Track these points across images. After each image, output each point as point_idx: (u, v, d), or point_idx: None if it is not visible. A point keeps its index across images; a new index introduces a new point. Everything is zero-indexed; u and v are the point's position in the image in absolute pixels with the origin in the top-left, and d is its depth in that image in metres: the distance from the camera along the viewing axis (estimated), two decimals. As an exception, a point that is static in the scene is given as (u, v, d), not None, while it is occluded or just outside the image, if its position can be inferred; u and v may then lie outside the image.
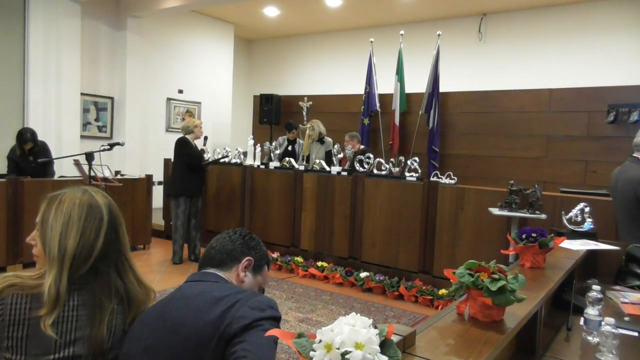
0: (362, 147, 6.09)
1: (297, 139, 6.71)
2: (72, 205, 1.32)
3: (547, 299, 1.84)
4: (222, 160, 5.96)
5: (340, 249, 5.39)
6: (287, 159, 6.09)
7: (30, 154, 5.30)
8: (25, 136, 5.18)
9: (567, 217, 3.08)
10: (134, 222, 5.77)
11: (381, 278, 4.89)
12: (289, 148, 6.62)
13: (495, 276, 1.38)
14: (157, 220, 6.67)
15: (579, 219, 3.04)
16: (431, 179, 4.98)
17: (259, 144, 6.44)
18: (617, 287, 2.51)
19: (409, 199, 4.95)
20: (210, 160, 5.75)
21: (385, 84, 7.49)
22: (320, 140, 6.32)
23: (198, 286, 1.34)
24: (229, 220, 6.34)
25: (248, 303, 1.24)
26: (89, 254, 1.30)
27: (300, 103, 8.69)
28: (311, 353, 0.89)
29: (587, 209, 3.03)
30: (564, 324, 2.02)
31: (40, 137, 5.46)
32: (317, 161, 5.85)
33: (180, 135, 5.56)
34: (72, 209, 1.31)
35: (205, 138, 5.80)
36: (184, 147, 5.38)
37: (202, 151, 5.65)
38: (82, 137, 6.87)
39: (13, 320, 1.23)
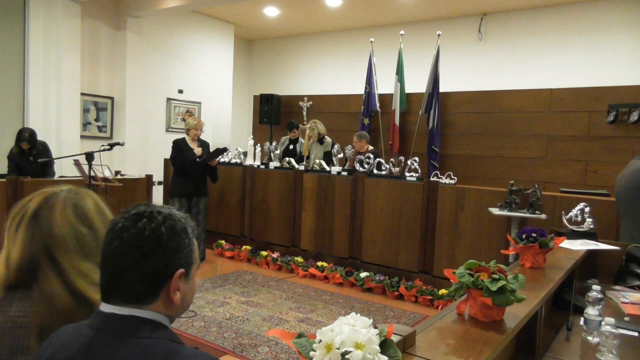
0: (370, 147, 6.04)
1: (299, 138, 6.71)
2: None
3: (547, 299, 1.84)
4: (219, 157, 5.75)
5: (340, 249, 5.39)
6: (287, 158, 6.09)
7: (30, 154, 5.30)
8: (23, 135, 5.17)
9: (567, 217, 3.08)
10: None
11: (381, 278, 4.89)
12: (290, 147, 6.63)
13: (495, 276, 1.38)
14: (157, 220, 6.66)
15: (579, 219, 3.04)
16: (431, 179, 4.98)
17: (259, 144, 6.44)
18: (617, 287, 2.52)
19: (409, 199, 4.95)
20: (203, 158, 5.56)
21: (385, 84, 7.49)
22: (320, 140, 6.32)
23: (113, 353, 0.92)
24: (229, 220, 6.34)
25: None
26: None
27: (300, 103, 8.70)
28: (311, 353, 0.89)
29: (587, 209, 3.04)
30: (564, 324, 2.02)
31: (40, 137, 5.46)
32: (318, 161, 5.85)
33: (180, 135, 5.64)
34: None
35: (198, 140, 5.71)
36: (173, 149, 5.55)
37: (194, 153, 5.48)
38: (82, 137, 6.87)
39: None
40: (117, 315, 0.95)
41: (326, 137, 6.35)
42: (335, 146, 5.77)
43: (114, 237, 0.97)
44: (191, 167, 5.43)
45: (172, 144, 5.58)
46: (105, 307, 0.97)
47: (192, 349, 0.95)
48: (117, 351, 0.91)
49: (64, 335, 1.01)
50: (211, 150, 5.69)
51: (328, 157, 6.04)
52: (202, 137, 5.73)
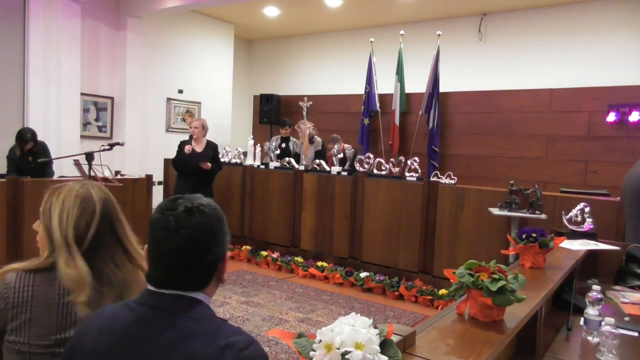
0: (347, 145, 6.09)
1: (290, 137, 6.72)
2: (68, 196, 1.39)
3: (547, 299, 1.84)
4: (205, 161, 5.37)
5: (340, 249, 5.39)
6: (287, 159, 6.10)
7: (30, 154, 5.30)
8: (26, 136, 5.18)
9: (567, 217, 3.08)
10: (134, 222, 5.71)
11: (381, 278, 4.89)
12: (282, 145, 6.62)
13: (495, 276, 1.38)
14: (157, 220, 6.66)
15: (579, 219, 3.04)
16: (431, 179, 4.99)
17: (259, 144, 6.44)
18: (617, 287, 2.52)
19: (409, 199, 4.95)
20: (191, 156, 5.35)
21: (385, 84, 7.49)
22: (310, 140, 6.37)
23: (169, 325, 1.01)
24: (229, 220, 6.30)
25: None
26: (80, 244, 1.35)
27: (300, 103, 8.69)
28: (311, 353, 0.89)
29: (587, 209, 3.04)
30: (564, 324, 2.02)
31: (40, 137, 5.46)
32: (318, 161, 5.86)
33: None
34: (66, 198, 1.39)
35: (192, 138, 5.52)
36: (177, 151, 5.50)
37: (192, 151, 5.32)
38: (82, 137, 6.87)
39: (18, 301, 1.29)
40: (174, 295, 1.04)
41: (316, 137, 6.40)
42: (336, 146, 5.78)
43: (172, 235, 1.04)
44: (180, 164, 5.41)
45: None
46: (161, 289, 1.06)
47: (237, 327, 1.05)
48: (173, 325, 1.00)
49: (110, 311, 1.09)
50: (213, 153, 5.52)
51: (318, 156, 6.11)
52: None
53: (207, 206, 1.10)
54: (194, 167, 5.29)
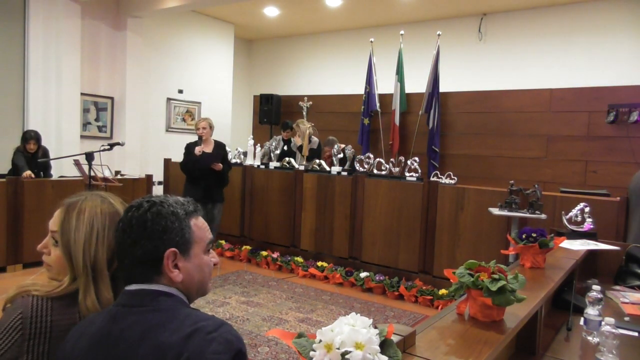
0: (343, 146, 6.10)
1: (292, 139, 6.72)
2: (93, 214, 1.27)
3: (547, 299, 1.84)
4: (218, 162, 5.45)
5: (340, 249, 5.39)
6: (287, 159, 6.10)
7: (34, 158, 5.35)
8: (29, 134, 5.30)
9: (567, 217, 3.08)
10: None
11: (381, 278, 4.89)
12: (285, 148, 6.61)
13: (495, 276, 1.38)
14: (157, 220, 6.65)
15: (579, 219, 3.04)
16: (431, 179, 4.99)
17: (259, 144, 6.44)
18: (617, 287, 2.52)
19: (409, 199, 4.95)
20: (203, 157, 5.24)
21: (385, 84, 7.49)
22: (308, 139, 6.37)
23: (138, 319, 1.04)
24: (229, 220, 6.34)
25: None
26: (111, 264, 1.26)
27: (300, 103, 8.69)
28: (311, 353, 0.89)
29: (587, 209, 3.04)
30: (564, 324, 2.02)
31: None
32: (318, 161, 5.86)
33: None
34: (93, 218, 1.26)
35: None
36: (184, 154, 5.33)
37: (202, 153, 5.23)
38: (82, 137, 6.87)
39: (35, 333, 1.17)
40: (141, 290, 1.07)
41: (313, 137, 6.40)
42: (336, 146, 5.78)
43: (115, 230, 1.14)
44: (191, 167, 5.22)
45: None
46: (128, 287, 1.10)
47: (209, 315, 1.06)
48: (141, 319, 1.04)
49: (90, 317, 1.15)
50: (223, 152, 5.39)
51: (312, 155, 6.11)
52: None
53: (154, 202, 1.10)
54: (206, 169, 5.14)
